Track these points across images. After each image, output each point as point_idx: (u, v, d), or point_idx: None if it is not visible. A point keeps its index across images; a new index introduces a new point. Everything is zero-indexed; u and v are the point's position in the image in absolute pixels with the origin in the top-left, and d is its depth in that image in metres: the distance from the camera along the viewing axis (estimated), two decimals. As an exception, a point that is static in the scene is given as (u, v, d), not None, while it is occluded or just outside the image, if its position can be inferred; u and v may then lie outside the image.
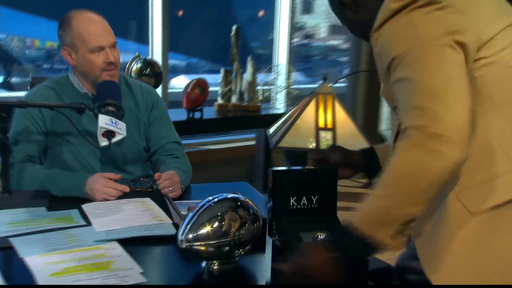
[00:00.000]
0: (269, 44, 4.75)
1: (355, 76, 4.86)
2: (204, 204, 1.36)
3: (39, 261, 1.38)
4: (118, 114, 1.81)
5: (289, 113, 2.27)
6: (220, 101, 3.75)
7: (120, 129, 1.79)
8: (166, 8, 3.97)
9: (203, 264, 1.39)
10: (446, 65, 1.21)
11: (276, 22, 4.73)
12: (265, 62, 4.58)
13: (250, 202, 1.42)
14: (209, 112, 3.63)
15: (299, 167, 1.60)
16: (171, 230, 1.59)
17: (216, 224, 1.32)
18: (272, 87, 4.39)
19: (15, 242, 1.47)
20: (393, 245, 1.21)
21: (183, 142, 2.30)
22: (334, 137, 2.05)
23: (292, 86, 4.34)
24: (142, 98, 2.13)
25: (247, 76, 3.79)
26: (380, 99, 5.12)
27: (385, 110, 5.11)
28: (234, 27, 3.77)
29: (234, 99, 3.77)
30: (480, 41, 1.25)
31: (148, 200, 1.84)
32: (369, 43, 1.37)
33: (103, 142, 1.78)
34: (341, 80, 4.95)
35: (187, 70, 7.11)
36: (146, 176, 2.11)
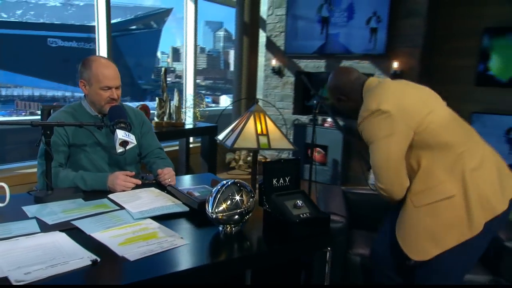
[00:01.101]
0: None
1: (239, 101, 5.00)
2: (219, 189, 1.37)
3: (104, 236, 1.30)
4: (127, 128, 1.75)
5: (233, 125, 2.30)
6: (156, 119, 3.68)
7: (132, 139, 1.72)
8: (110, 56, 3.81)
9: (220, 227, 1.40)
10: (388, 152, 1.60)
11: (184, 68, 4.74)
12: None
13: (247, 184, 1.45)
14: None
15: (279, 159, 1.66)
16: (184, 208, 1.57)
17: (228, 202, 1.35)
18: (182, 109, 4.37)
19: (78, 224, 1.37)
20: None
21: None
22: (268, 140, 2.13)
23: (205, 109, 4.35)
24: (134, 118, 2.06)
25: (174, 102, 3.75)
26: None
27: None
28: (163, 69, 3.72)
29: (165, 118, 3.71)
30: (418, 123, 1.59)
31: (154, 189, 1.79)
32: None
33: (120, 149, 1.70)
34: (230, 104, 5.05)
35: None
36: (138, 173, 2.05)
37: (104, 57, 1.89)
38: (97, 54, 3.92)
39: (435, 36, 4.49)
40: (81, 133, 1.86)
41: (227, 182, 1.41)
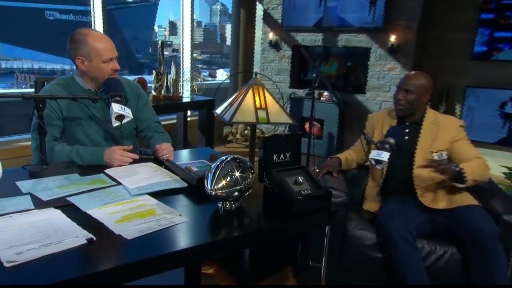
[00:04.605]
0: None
1: (236, 75, 4.87)
2: (218, 166, 1.29)
3: (100, 213, 1.23)
4: (123, 101, 1.65)
5: (231, 98, 2.20)
6: (153, 93, 3.56)
7: (128, 113, 1.63)
8: (106, 30, 3.65)
9: (220, 204, 1.33)
10: None
11: (181, 42, 4.58)
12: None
13: (246, 159, 1.37)
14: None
15: (279, 134, 1.58)
16: (183, 184, 1.50)
17: (228, 179, 1.27)
18: (180, 83, 4.24)
19: (74, 200, 1.29)
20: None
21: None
22: (267, 114, 2.04)
23: (202, 82, 4.21)
24: (130, 90, 1.95)
25: (172, 75, 3.62)
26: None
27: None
28: (160, 41, 3.58)
29: (163, 91, 3.59)
30: None
31: (152, 164, 1.70)
32: None
33: (115, 123, 1.61)
34: (227, 78, 4.92)
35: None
36: (136, 147, 1.97)
37: (94, 29, 1.76)
38: (93, 27, 3.75)
39: (432, 8, 4.34)
40: (75, 107, 1.76)
41: (226, 158, 1.33)
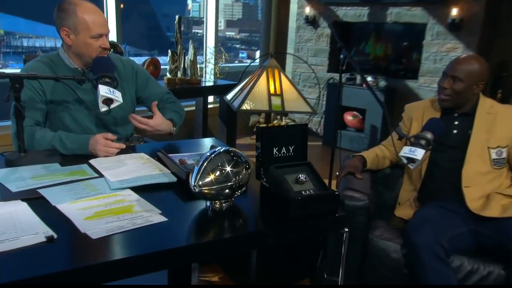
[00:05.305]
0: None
1: (266, 56, 4.83)
2: (207, 157, 1.27)
3: (71, 208, 1.24)
4: (113, 84, 1.66)
5: (243, 82, 2.17)
6: (168, 75, 3.61)
7: (117, 96, 1.64)
8: (119, 3, 3.73)
9: (208, 203, 1.31)
10: None
11: (205, 18, 4.59)
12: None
13: (241, 153, 1.34)
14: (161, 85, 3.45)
15: (281, 125, 1.54)
16: (172, 178, 1.49)
17: (217, 173, 1.24)
18: (202, 65, 4.25)
19: (45, 193, 1.32)
20: None
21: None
22: (282, 101, 2.00)
23: (224, 64, 4.21)
24: (124, 69, 1.97)
25: (189, 56, 3.65)
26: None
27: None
28: (177, 17, 3.59)
29: (179, 74, 3.62)
30: None
31: (144, 155, 1.71)
32: None
33: (103, 108, 1.63)
34: (257, 59, 4.90)
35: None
36: (131, 135, 2.00)
37: (87, 0, 1.78)
38: (104, 1, 3.82)
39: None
40: (61, 88, 1.78)
41: (218, 150, 1.31)
